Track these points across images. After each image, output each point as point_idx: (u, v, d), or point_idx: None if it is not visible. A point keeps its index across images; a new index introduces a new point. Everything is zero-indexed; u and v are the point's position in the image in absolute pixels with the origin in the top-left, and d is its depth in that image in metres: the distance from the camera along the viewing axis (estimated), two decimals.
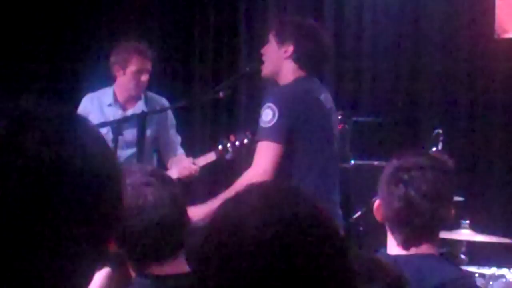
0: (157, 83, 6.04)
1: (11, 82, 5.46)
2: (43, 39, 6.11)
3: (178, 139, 4.70)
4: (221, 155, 4.07)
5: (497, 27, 5.58)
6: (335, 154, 3.87)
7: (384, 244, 2.35)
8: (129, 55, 4.45)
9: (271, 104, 3.61)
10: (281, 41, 3.78)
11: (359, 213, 4.83)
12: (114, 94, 4.56)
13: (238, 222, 1.25)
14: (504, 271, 3.99)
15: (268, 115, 3.60)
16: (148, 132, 4.48)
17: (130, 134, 4.39)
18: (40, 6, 6.10)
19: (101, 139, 1.06)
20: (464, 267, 4.05)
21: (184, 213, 2.17)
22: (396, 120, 5.91)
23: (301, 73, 3.76)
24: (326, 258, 1.25)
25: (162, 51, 6.23)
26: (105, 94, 4.58)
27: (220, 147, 4.06)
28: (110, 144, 3.95)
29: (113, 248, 1.09)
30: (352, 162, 5.24)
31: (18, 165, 0.97)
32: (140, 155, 4.32)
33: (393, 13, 5.94)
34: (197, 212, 3.38)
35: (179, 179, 4.12)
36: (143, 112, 4.41)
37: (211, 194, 5.62)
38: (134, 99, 4.56)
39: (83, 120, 1.06)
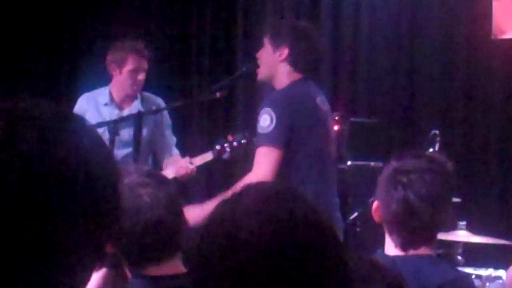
0: (154, 83, 6.03)
1: (8, 81, 5.45)
2: (39, 39, 6.10)
3: (173, 140, 4.69)
4: (218, 155, 4.06)
5: (494, 28, 5.58)
6: (332, 157, 3.87)
7: (381, 245, 2.34)
8: (125, 54, 4.45)
9: (268, 109, 3.62)
10: (276, 45, 3.78)
11: (356, 214, 4.83)
12: (110, 93, 4.56)
13: (234, 223, 1.25)
14: (500, 272, 3.99)
15: (265, 120, 3.61)
16: (144, 132, 4.47)
17: (126, 133, 4.39)
18: (37, 5, 6.09)
19: (98, 139, 1.06)
20: (461, 268, 4.05)
21: (181, 213, 2.16)
22: (393, 121, 5.91)
23: (296, 76, 3.76)
24: (323, 259, 1.24)
25: (159, 51, 6.22)
26: (101, 94, 4.58)
27: (217, 147, 4.05)
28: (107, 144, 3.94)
29: (109, 248, 1.08)
30: (349, 162, 5.24)
31: (14, 165, 0.97)
32: (136, 155, 4.31)
33: (390, 14, 5.94)
34: (195, 213, 3.37)
35: (175, 178, 4.11)
36: (139, 112, 4.41)
37: (208, 194, 5.62)
38: (130, 98, 4.56)
39: (81, 120, 1.06)
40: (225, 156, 4.04)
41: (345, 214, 4.68)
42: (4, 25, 5.92)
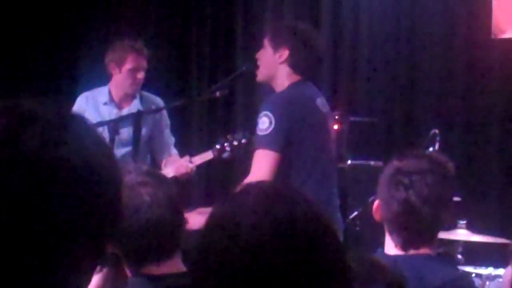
0: (154, 83, 6.04)
1: (7, 81, 5.45)
2: (39, 38, 6.10)
3: (172, 139, 4.70)
4: (218, 154, 4.06)
5: (494, 28, 5.58)
6: (332, 158, 3.87)
7: (381, 244, 2.34)
8: (125, 53, 4.45)
9: (267, 112, 3.61)
10: (276, 46, 3.78)
11: (355, 213, 4.83)
12: (110, 93, 4.56)
13: (234, 222, 1.25)
14: (500, 271, 3.99)
15: (264, 123, 3.61)
16: (143, 132, 4.48)
17: (125, 133, 4.39)
18: (37, 5, 6.08)
19: (100, 139, 1.07)
20: (461, 267, 4.05)
21: (180, 212, 2.16)
22: (393, 120, 5.91)
23: (296, 78, 3.76)
24: (323, 259, 1.24)
25: (159, 50, 6.22)
26: (100, 93, 4.58)
27: (217, 146, 4.05)
28: None
29: (109, 248, 1.08)
30: (349, 162, 5.24)
31: (17, 163, 0.97)
32: (135, 154, 4.32)
33: (389, 13, 5.94)
34: (194, 222, 3.38)
35: (175, 177, 4.11)
36: (139, 111, 4.41)
37: (208, 194, 5.62)
38: (129, 98, 4.56)
39: (82, 120, 1.06)
40: (225, 155, 4.04)
41: (345, 214, 4.68)
42: (3, 25, 5.92)
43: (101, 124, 4.15)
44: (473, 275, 3.97)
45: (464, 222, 4.20)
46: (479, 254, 4.37)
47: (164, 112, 4.66)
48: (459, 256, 4.27)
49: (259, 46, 3.91)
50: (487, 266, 4.12)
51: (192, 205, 3.69)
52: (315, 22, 5.76)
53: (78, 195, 0.99)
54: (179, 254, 2.12)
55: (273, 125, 3.59)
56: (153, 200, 2.07)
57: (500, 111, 5.67)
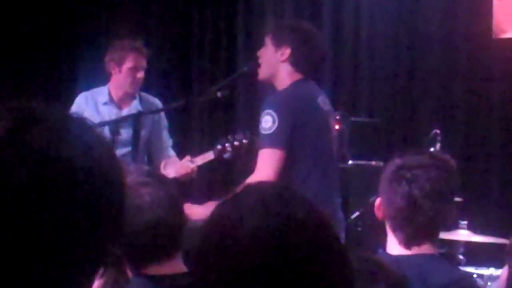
0: (155, 83, 6.03)
1: (6, 81, 5.45)
2: (38, 38, 6.09)
3: (170, 141, 4.70)
4: (219, 155, 4.06)
5: (495, 27, 5.58)
6: (334, 157, 3.87)
7: (382, 244, 2.34)
8: (124, 52, 4.46)
9: (270, 111, 3.62)
10: (278, 44, 3.78)
11: (357, 213, 4.83)
12: (109, 93, 4.56)
13: (235, 222, 1.25)
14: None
15: (268, 122, 3.61)
16: (143, 133, 4.48)
17: (125, 133, 4.40)
18: (36, 5, 6.08)
19: (103, 139, 1.07)
20: (462, 268, 4.05)
21: (181, 213, 2.16)
22: (394, 121, 5.91)
23: (298, 76, 3.76)
24: (324, 259, 1.24)
25: (160, 51, 6.22)
26: (100, 93, 4.58)
27: (218, 146, 4.05)
28: None
29: (110, 248, 1.08)
30: (350, 162, 5.23)
31: (23, 164, 0.97)
32: (135, 155, 4.32)
33: (390, 13, 5.93)
34: (197, 212, 3.38)
35: (176, 178, 4.11)
36: (139, 111, 4.42)
37: (209, 194, 5.62)
38: (129, 97, 4.56)
39: (85, 120, 1.07)
40: (226, 155, 4.04)
41: (346, 214, 4.68)
42: (2, 24, 5.91)
43: (102, 124, 4.15)
44: (475, 275, 3.97)
45: (465, 222, 4.20)
46: (481, 254, 4.36)
47: (162, 114, 4.67)
48: (461, 257, 4.27)
49: (260, 44, 3.91)
50: (488, 266, 4.12)
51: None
52: (316, 22, 5.75)
53: (81, 195, 0.99)
54: (180, 254, 2.12)
55: (276, 124, 3.59)
56: (154, 200, 2.07)
57: (501, 111, 5.67)
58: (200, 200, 3.75)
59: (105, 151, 1.05)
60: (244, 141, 4.00)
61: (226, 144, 4.03)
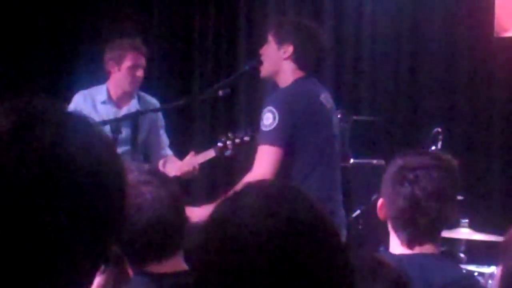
0: (156, 82, 6.04)
1: (4, 79, 5.45)
2: (35, 37, 6.08)
3: (167, 140, 4.71)
4: (220, 153, 4.06)
5: (497, 26, 5.57)
6: (337, 154, 3.87)
7: (383, 243, 2.35)
8: (124, 51, 4.46)
9: (271, 108, 3.62)
10: (280, 42, 3.78)
11: (358, 212, 4.83)
12: (108, 91, 4.56)
13: (235, 221, 1.25)
14: None
15: (268, 119, 3.61)
16: (140, 132, 4.50)
17: (124, 132, 4.40)
18: (34, 3, 6.07)
19: (106, 138, 1.07)
20: (463, 266, 4.05)
21: (183, 211, 2.16)
22: (396, 119, 5.91)
23: (300, 74, 3.77)
24: (324, 257, 1.24)
25: (161, 49, 6.22)
26: (98, 92, 4.58)
27: (219, 144, 4.05)
28: None
29: (111, 246, 1.08)
30: (352, 161, 5.23)
31: (27, 162, 0.97)
32: (134, 154, 4.32)
33: (392, 12, 5.93)
34: (197, 214, 3.38)
35: (177, 176, 4.11)
36: (138, 111, 4.42)
37: (211, 192, 5.62)
38: (128, 96, 4.57)
39: (89, 119, 1.07)
40: (228, 153, 4.04)
41: (347, 212, 4.68)
42: (2, 22, 5.91)
43: (102, 123, 4.15)
44: (476, 273, 3.96)
45: (467, 220, 4.20)
46: (482, 252, 4.36)
47: (160, 113, 4.68)
48: (462, 255, 4.27)
49: (262, 43, 3.91)
50: (489, 265, 4.12)
51: (194, 204, 3.69)
52: (318, 20, 5.75)
53: (83, 193, 0.99)
54: (181, 252, 2.12)
55: (276, 121, 3.59)
56: (155, 199, 2.07)
57: (503, 109, 5.66)
58: (201, 198, 3.75)
59: (107, 149, 1.05)
60: (245, 138, 4.00)
61: (227, 142, 4.03)
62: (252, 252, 1.22)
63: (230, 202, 1.30)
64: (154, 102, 4.65)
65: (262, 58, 3.86)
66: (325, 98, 3.83)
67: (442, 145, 4.51)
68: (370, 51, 6.02)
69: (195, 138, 6.16)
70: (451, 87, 5.82)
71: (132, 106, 4.54)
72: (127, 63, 4.47)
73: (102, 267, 1.07)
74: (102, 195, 1.01)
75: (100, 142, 1.04)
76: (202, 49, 6.38)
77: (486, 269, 4.07)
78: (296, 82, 3.76)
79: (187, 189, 5.18)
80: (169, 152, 4.67)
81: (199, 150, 4.34)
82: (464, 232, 4.19)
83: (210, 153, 4.13)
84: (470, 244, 4.30)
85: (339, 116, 4.66)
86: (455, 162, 2.34)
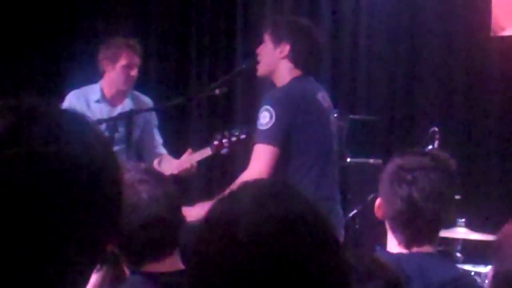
0: (154, 80, 6.03)
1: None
2: (30, 36, 6.06)
3: (161, 139, 4.72)
4: (216, 151, 4.06)
5: (493, 25, 5.58)
6: (334, 153, 3.87)
7: (380, 242, 2.34)
8: (119, 50, 4.47)
9: (268, 107, 3.62)
10: (277, 41, 3.78)
11: (355, 211, 4.83)
12: (102, 90, 4.56)
13: (231, 220, 1.24)
14: None
15: (265, 117, 3.62)
16: (134, 131, 4.51)
17: (119, 131, 4.41)
18: (30, 2, 6.06)
19: (103, 137, 1.07)
20: (460, 265, 4.05)
21: (179, 210, 2.16)
22: (393, 118, 5.91)
23: (297, 73, 3.77)
24: (321, 257, 1.24)
25: (158, 48, 6.22)
26: (92, 91, 4.58)
27: (215, 142, 4.05)
28: None
29: (108, 246, 1.08)
30: (348, 160, 5.23)
31: (22, 161, 0.97)
32: (129, 153, 4.32)
33: (389, 10, 5.93)
34: (193, 213, 3.38)
35: (173, 175, 4.11)
36: (132, 110, 4.43)
37: (208, 190, 5.62)
38: (122, 96, 4.57)
39: (85, 118, 1.07)
40: (224, 151, 4.04)
41: (344, 211, 4.68)
42: None
43: (97, 122, 4.15)
44: (472, 273, 3.97)
45: (463, 220, 4.20)
46: (478, 252, 4.36)
47: (153, 112, 4.69)
48: (458, 254, 4.28)
49: (259, 42, 3.91)
50: (486, 264, 4.12)
51: (191, 202, 3.69)
52: (315, 19, 5.75)
53: (79, 192, 0.99)
54: (178, 252, 2.12)
55: (273, 120, 3.59)
56: (151, 198, 2.07)
57: (500, 108, 5.67)
58: (197, 196, 3.75)
59: (103, 147, 1.05)
60: (241, 136, 4.00)
61: (223, 140, 4.03)
62: (247, 251, 1.21)
63: (225, 201, 1.29)
64: (147, 101, 4.66)
65: (259, 58, 3.86)
66: (322, 97, 3.84)
67: (439, 144, 4.51)
68: (367, 51, 6.02)
69: (192, 136, 6.15)
70: (448, 86, 5.83)
71: (126, 105, 4.55)
72: (122, 62, 4.47)
73: (98, 266, 1.07)
74: (98, 194, 1.01)
75: (96, 140, 1.04)
76: (199, 48, 6.38)
77: (482, 269, 4.08)
78: (293, 81, 3.76)
79: (183, 188, 5.17)
80: (163, 150, 4.67)
81: (195, 148, 4.34)
82: (460, 232, 4.19)
83: (206, 151, 4.13)
84: (467, 244, 4.30)
85: (335, 115, 4.67)
86: (453, 163, 2.34)
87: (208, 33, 6.37)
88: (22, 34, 6.00)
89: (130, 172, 2.09)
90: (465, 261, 4.25)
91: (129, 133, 4.41)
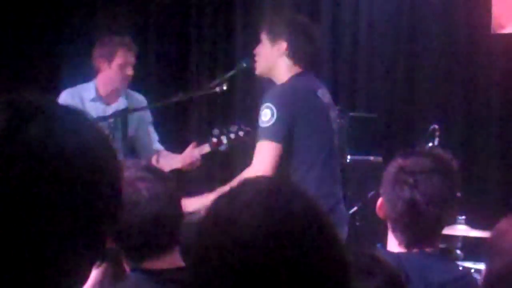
0: (153, 79, 6.03)
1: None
2: (24, 34, 6.06)
3: (156, 135, 4.73)
4: (215, 147, 4.07)
5: (494, 23, 5.57)
6: (335, 149, 3.87)
7: (380, 239, 2.34)
8: (114, 48, 4.48)
9: (269, 104, 3.63)
10: (274, 39, 3.79)
11: (355, 208, 4.83)
12: (97, 89, 4.56)
13: (232, 217, 1.24)
14: None
15: (266, 115, 3.62)
16: (130, 129, 4.52)
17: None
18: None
19: (101, 133, 1.06)
20: (460, 263, 4.05)
21: (179, 207, 2.16)
22: (393, 116, 5.91)
23: (297, 70, 3.77)
24: (320, 253, 1.24)
25: (158, 46, 6.22)
26: (86, 89, 4.58)
27: (214, 139, 4.06)
28: None
29: (108, 243, 1.08)
30: (349, 157, 5.24)
31: (20, 156, 0.96)
32: (124, 151, 4.33)
33: (389, 8, 5.93)
34: (192, 204, 3.39)
35: (179, 169, 4.14)
36: (126, 108, 4.44)
37: (206, 186, 5.62)
38: (116, 94, 4.58)
39: (84, 114, 1.06)
40: (222, 148, 4.05)
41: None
42: None
43: (99, 119, 4.16)
44: (472, 270, 3.97)
45: (463, 217, 4.20)
46: (479, 249, 4.36)
47: (148, 110, 4.70)
48: (458, 252, 4.27)
49: (257, 42, 3.92)
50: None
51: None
52: (315, 17, 5.75)
53: (79, 189, 0.99)
54: (178, 249, 2.12)
55: (275, 117, 3.60)
56: (152, 195, 2.07)
57: (500, 106, 5.67)
58: (197, 193, 3.75)
59: (103, 144, 1.05)
60: (240, 133, 4.00)
61: (222, 137, 4.03)
62: (248, 248, 1.21)
63: (226, 198, 1.30)
64: (141, 99, 4.67)
65: (256, 58, 3.87)
66: (323, 93, 3.84)
67: (439, 142, 4.51)
68: (368, 48, 6.01)
69: (191, 134, 6.15)
70: (448, 84, 5.82)
71: (121, 103, 4.56)
72: (117, 60, 4.48)
73: (98, 263, 1.07)
74: (98, 190, 1.01)
75: (96, 137, 1.04)
76: (199, 46, 6.38)
77: (482, 266, 4.06)
78: (293, 78, 3.76)
79: (184, 184, 5.17)
80: (159, 147, 4.68)
81: (196, 146, 4.34)
82: (460, 229, 4.19)
83: (205, 148, 4.14)
84: (467, 241, 4.30)
85: (336, 111, 4.67)
86: (455, 164, 2.33)
87: (207, 31, 6.37)
88: (21, 33, 5.99)
89: (130, 170, 2.09)
90: (465, 259, 4.25)
91: (124, 131, 4.41)
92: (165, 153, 4.55)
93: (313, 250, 1.23)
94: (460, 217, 4.15)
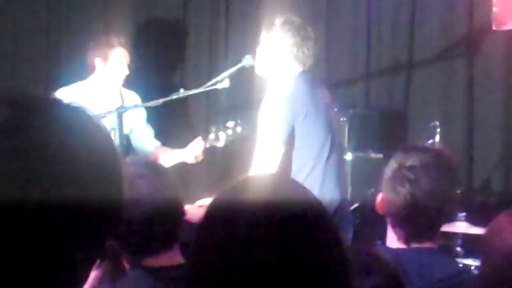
0: (153, 76, 6.02)
1: None
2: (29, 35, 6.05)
3: (151, 131, 4.75)
4: (212, 144, 4.09)
5: (494, 19, 5.57)
6: (337, 147, 3.88)
7: (380, 236, 2.34)
8: (110, 48, 4.52)
9: (269, 104, 3.63)
10: (273, 40, 3.81)
11: (356, 205, 4.83)
12: (92, 87, 4.58)
13: (232, 214, 1.24)
14: None
15: (268, 115, 3.63)
16: (125, 126, 4.54)
17: (110, 127, 4.43)
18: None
19: (103, 130, 1.06)
20: (460, 260, 4.05)
21: (179, 204, 2.16)
22: (393, 113, 5.91)
23: (296, 70, 3.79)
24: (320, 251, 1.24)
25: (156, 44, 6.21)
26: (82, 88, 4.59)
27: (211, 136, 4.08)
28: None
29: (107, 240, 1.07)
30: (349, 154, 5.24)
31: (23, 150, 0.96)
32: (121, 149, 4.34)
33: (389, 5, 5.92)
34: (198, 214, 3.39)
35: (183, 162, 4.17)
36: (122, 106, 4.46)
37: (208, 183, 5.61)
38: (112, 92, 4.59)
39: (86, 111, 1.05)
40: (220, 144, 4.07)
41: None
42: None
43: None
44: (473, 267, 3.97)
45: (464, 214, 4.20)
46: (478, 246, 4.37)
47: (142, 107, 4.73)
48: (459, 249, 4.28)
49: (257, 43, 3.93)
50: None
51: (192, 197, 3.69)
52: (314, 13, 5.75)
53: (81, 186, 0.98)
54: (178, 246, 2.12)
55: (276, 117, 3.61)
56: (151, 192, 2.07)
57: (501, 103, 5.66)
58: (198, 189, 3.76)
59: (105, 141, 1.04)
60: (237, 129, 4.02)
61: (219, 133, 4.05)
62: (247, 246, 1.21)
63: (226, 196, 1.30)
64: (134, 96, 4.70)
65: (257, 58, 3.89)
66: (322, 92, 3.85)
67: (439, 139, 4.51)
68: (367, 45, 6.01)
69: (191, 132, 6.14)
70: (449, 81, 5.82)
71: (116, 101, 4.57)
72: (113, 59, 4.51)
73: (98, 261, 1.07)
74: (99, 188, 1.00)
75: (97, 134, 1.03)
76: (199, 44, 6.37)
77: None
78: (293, 78, 3.78)
79: (184, 181, 5.17)
80: (156, 142, 4.71)
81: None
82: (460, 226, 4.19)
83: (203, 144, 4.17)
84: (467, 238, 4.30)
85: (336, 110, 4.67)
86: (455, 160, 2.33)
87: (206, 29, 6.36)
88: (20, 32, 5.99)
89: (129, 167, 2.09)
90: (465, 256, 4.25)
91: (120, 129, 4.45)
92: (163, 148, 4.58)
93: (312, 247, 1.23)
94: (460, 214, 4.15)
